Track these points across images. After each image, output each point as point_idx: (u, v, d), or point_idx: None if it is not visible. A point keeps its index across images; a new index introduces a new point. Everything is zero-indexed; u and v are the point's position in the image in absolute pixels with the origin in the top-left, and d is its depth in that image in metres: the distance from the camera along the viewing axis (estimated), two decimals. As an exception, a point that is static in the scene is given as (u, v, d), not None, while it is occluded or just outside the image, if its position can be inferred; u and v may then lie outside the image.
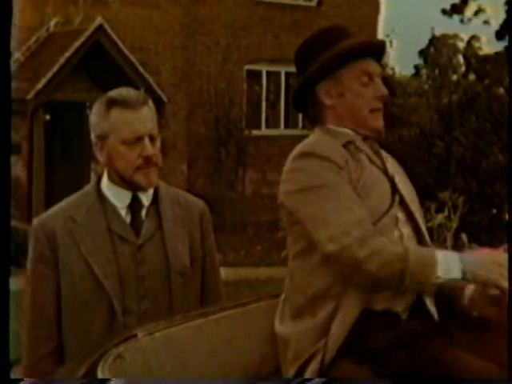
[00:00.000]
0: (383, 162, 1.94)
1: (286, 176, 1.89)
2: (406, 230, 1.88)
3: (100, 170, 2.23)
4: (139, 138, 2.08)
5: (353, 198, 1.81)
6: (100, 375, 1.63)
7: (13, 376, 1.82)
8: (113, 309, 2.06)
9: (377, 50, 2.02)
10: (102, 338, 1.96)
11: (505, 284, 1.73)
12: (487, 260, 1.78)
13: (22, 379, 1.95)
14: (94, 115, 2.12)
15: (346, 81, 1.94)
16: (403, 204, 1.90)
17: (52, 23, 11.43)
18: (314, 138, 1.94)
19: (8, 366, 1.67)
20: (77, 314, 2.08)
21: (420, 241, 1.91)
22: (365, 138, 1.96)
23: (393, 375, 1.74)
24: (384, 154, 2.00)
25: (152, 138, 2.11)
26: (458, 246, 8.27)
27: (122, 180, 2.13)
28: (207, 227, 2.29)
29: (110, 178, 2.16)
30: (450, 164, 11.38)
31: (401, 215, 1.89)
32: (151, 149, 2.09)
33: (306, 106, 2.02)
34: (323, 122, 1.98)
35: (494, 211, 10.86)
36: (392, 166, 1.98)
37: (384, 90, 1.95)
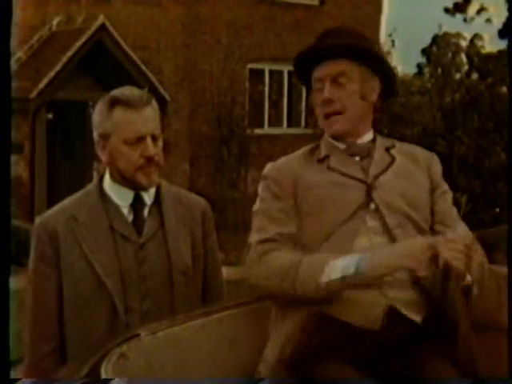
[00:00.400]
0: (366, 167, 1.91)
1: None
2: (379, 239, 1.82)
3: (102, 168, 2.23)
4: (141, 138, 2.08)
5: (276, 216, 1.88)
6: (103, 375, 1.63)
7: (13, 376, 1.81)
8: (115, 308, 2.06)
9: (341, 51, 1.93)
10: (104, 336, 1.97)
11: (422, 272, 1.61)
12: (403, 247, 1.69)
13: (22, 379, 1.93)
14: (97, 114, 2.12)
15: (313, 89, 1.98)
16: (378, 212, 1.84)
17: (54, 22, 11.43)
18: (289, 156, 2.00)
19: (8, 365, 1.65)
20: (79, 313, 2.09)
21: None
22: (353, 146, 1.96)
23: (380, 377, 1.72)
24: (395, 153, 1.96)
25: (154, 138, 2.11)
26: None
27: (123, 179, 2.13)
28: (209, 226, 2.29)
29: (112, 177, 2.16)
30: (452, 163, 11.36)
31: (375, 224, 1.84)
32: (153, 149, 2.09)
33: None
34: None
35: (497, 210, 10.84)
36: (398, 166, 1.93)
37: (326, 95, 1.92)
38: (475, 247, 1.66)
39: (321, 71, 1.93)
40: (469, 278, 1.62)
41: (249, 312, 2.06)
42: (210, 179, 12.87)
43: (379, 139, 2.01)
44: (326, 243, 1.81)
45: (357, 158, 1.93)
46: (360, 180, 1.88)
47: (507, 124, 10.86)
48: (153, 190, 2.19)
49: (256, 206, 1.95)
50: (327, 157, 1.94)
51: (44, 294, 2.12)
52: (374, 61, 1.96)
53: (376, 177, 1.89)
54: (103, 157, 2.14)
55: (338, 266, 1.71)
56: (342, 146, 1.96)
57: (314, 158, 1.96)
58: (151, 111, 2.13)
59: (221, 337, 1.98)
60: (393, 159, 1.95)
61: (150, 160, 2.08)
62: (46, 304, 2.12)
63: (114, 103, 2.09)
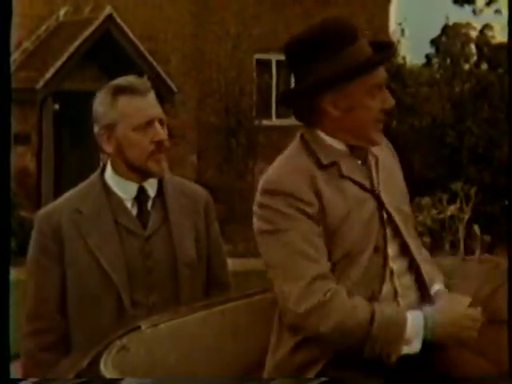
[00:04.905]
0: (370, 174, 1.83)
1: (254, 208, 1.79)
2: (392, 248, 1.80)
3: (105, 161, 2.20)
4: (150, 123, 2.06)
5: (317, 246, 1.71)
6: (103, 366, 1.62)
7: (12, 371, 1.79)
8: (121, 301, 2.05)
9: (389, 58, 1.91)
10: (111, 330, 1.93)
11: (474, 335, 1.71)
12: (457, 316, 1.72)
13: (23, 379, 1.91)
14: (100, 105, 2.09)
15: (356, 94, 1.77)
16: (390, 220, 1.81)
17: (61, 12, 11.43)
18: (285, 162, 1.80)
19: (8, 365, 1.64)
20: (84, 307, 2.07)
21: (405, 253, 1.84)
22: (355, 149, 1.84)
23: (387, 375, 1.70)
24: (374, 149, 1.87)
25: (161, 123, 2.10)
26: (470, 237, 8.20)
27: (131, 170, 2.10)
28: (211, 216, 2.27)
29: (116, 170, 2.13)
30: (462, 154, 11.29)
31: (388, 232, 1.81)
32: (163, 133, 2.08)
33: (299, 107, 1.86)
34: (316, 127, 1.83)
35: (507, 202, 10.77)
36: (382, 162, 1.87)
37: (392, 101, 1.80)
38: None
39: (380, 76, 1.80)
40: None
41: (251, 304, 2.05)
42: (217, 170, 12.84)
43: None
44: (347, 260, 1.75)
45: (359, 162, 1.84)
46: (369, 190, 1.81)
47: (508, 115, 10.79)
48: (155, 183, 2.17)
49: (275, 225, 1.73)
50: (334, 163, 1.79)
51: (46, 288, 2.11)
52: None
53: (379, 182, 1.83)
54: (109, 148, 2.10)
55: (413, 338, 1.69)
56: (344, 148, 1.83)
57: (316, 165, 1.78)
58: (154, 97, 2.12)
59: (223, 329, 1.98)
60: (376, 156, 1.88)
61: (160, 145, 2.07)
62: (47, 298, 2.10)
63: (118, 92, 2.08)
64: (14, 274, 2.11)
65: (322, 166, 1.78)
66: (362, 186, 1.80)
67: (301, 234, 1.70)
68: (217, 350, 1.95)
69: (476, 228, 7.89)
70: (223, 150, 12.93)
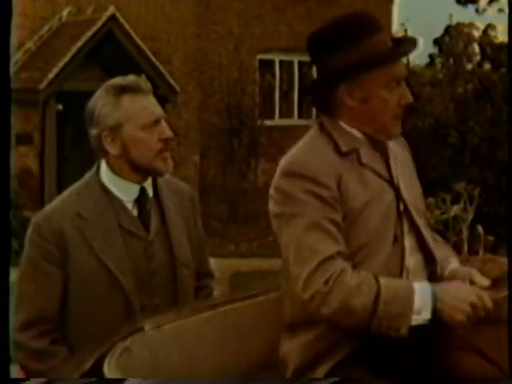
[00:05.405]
0: (389, 166, 1.84)
1: (271, 191, 1.80)
2: (409, 241, 1.81)
3: (111, 162, 2.14)
4: (157, 121, 2.05)
5: (328, 230, 1.71)
6: (106, 368, 1.62)
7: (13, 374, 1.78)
8: (129, 305, 2.04)
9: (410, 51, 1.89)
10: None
11: (481, 314, 1.68)
12: (465, 291, 1.71)
13: (23, 379, 1.90)
14: (103, 106, 2.05)
15: (373, 86, 1.79)
16: (407, 212, 1.82)
17: (64, 13, 11.41)
18: (307, 146, 1.81)
19: (8, 365, 1.64)
20: (90, 313, 2.04)
21: (421, 247, 1.84)
22: (374, 141, 1.84)
23: (395, 376, 1.70)
24: (393, 146, 1.89)
25: (166, 121, 2.10)
26: (473, 238, 8.17)
27: (134, 170, 2.08)
28: (196, 211, 2.27)
29: (115, 171, 2.10)
30: (464, 154, 11.27)
31: (405, 225, 1.82)
32: (169, 130, 2.07)
33: (319, 97, 1.88)
34: (336, 117, 1.84)
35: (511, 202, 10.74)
36: (400, 159, 1.89)
37: (410, 97, 1.81)
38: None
39: (400, 70, 1.81)
40: None
41: (254, 305, 2.05)
42: (220, 170, 12.83)
43: None
44: (366, 250, 1.75)
45: (378, 154, 1.85)
46: (388, 180, 1.83)
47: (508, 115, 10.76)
48: (151, 183, 2.15)
49: (289, 208, 1.74)
50: (354, 150, 1.81)
51: (45, 293, 2.06)
52: None
53: (397, 174, 1.85)
54: (113, 150, 2.07)
55: (419, 308, 1.68)
56: (363, 138, 1.84)
57: (335, 151, 1.80)
58: (153, 96, 2.11)
59: (226, 329, 1.97)
60: (395, 151, 1.90)
61: (167, 143, 2.06)
62: (46, 303, 2.06)
63: (120, 91, 2.05)
64: (17, 274, 2.10)
65: (341, 154, 1.79)
66: (381, 176, 1.81)
67: (313, 219, 1.70)
68: (220, 351, 1.94)
69: (479, 228, 7.87)
70: (226, 150, 12.91)
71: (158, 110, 2.08)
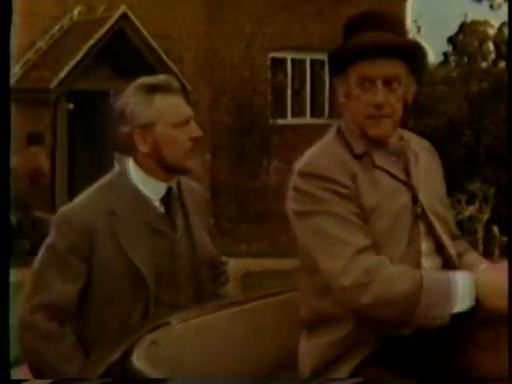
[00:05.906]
0: (408, 168, 1.81)
1: (289, 191, 1.80)
2: (425, 244, 1.79)
3: (139, 159, 2.14)
4: (188, 120, 2.09)
5: (356, 224, 1.71)
6: (135, 360, 1.66)
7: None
8: (151, 303, 2.05)
9: (398, 50, 1.78)
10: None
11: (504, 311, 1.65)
12: (500, 286, 1.66)
13: (23, 380, 1.87)
14: (136, 105, 2.06)
15: (352, 82, 1.79)
16: (424, 215, 1.79)
17: (75, 12, 11.42)
18: (321, 148, 1.82)
19: (9, 366, 1.63)
20: (112, 309, 2.05)
21: (440, 251, 1.81)
22: (387, 144, 1.83)
23: (416, 376, 1.67)
24: (417, 149, 1.87)
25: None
26: (488, 239, 8.11)
27: (163, 169, 2.09)
28: (209, 210, 2.32)
29: (144, 169, 2.11)
30: (479, 154, 11.20)
31: (421, 227, 1.79)
32: (199, 130, 2.10)
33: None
34: (342, 118, 1.87)
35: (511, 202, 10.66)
36: (423, 163, 1.86)
37: (378, 98, 1.76)
38: None
39: (373, 69, 1.77)
40: None
41: (276, 303, 2.10)
42: (231, 170, 12.80)
43: (404, 135, 1.92)
44: (376, 250, 1.72)
45: (394, 158, 1.84)
46: (404, 182, 1.81)
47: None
48: (175, 182, 2.17)
49: (311, 207, 1.73)
50: (367, 153, 1.81)
51: (64, 284, 2.05)
52: (422, 62, 1.87)
53: (417, 177, 1.83)
54: (144, 148, 2.08)
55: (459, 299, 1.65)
56: (375, 142, 1.84)
57: (350, 154, 1.81)
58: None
59: (249, 327, 2.01)
60: (417, 155, 1.88)
61: (195, 142, 2.09)
62: (62, 292, 2.05)
63: (153, 90, 2.07)
64: (26, 274, 2.11)
65: (355, 156, 1.80)
66: (396, 178, 1.79)
67: (338, 214, 1.71)
68: (243, 347, 1.98)
69: (495, 229, 7.81)
70: (237, 149, 12.88)
71: (188, 110, 2.12)
